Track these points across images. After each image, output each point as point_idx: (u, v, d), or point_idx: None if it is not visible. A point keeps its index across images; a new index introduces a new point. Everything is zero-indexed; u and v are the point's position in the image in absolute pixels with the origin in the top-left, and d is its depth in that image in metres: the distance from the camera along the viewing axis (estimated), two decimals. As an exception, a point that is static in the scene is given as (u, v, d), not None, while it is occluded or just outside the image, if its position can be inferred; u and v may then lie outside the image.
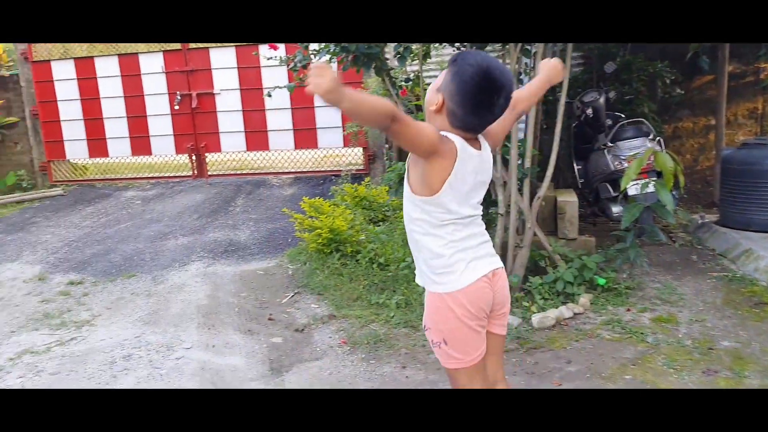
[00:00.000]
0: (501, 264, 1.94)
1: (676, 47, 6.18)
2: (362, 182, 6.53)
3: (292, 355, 3.64)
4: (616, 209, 5.31)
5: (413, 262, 2.00)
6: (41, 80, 8.60)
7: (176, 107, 8.34)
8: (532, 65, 4.73)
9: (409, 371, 3.34)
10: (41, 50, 8.56)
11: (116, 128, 8.62)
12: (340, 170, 7.89)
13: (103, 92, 8.53)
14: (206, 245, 5.84)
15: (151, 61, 8.32)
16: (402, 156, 6.46)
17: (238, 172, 8.68)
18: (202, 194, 7.80)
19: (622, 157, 5.19)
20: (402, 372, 3.35)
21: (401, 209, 2.21)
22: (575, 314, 3.85)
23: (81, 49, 8.68)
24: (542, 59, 3.85)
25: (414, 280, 2.10)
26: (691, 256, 4.94)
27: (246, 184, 8.15)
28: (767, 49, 6.19)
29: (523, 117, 4.67)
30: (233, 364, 3.55)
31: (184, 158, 8.67)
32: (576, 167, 6.03)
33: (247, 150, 8.49)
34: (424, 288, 1.94)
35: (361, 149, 8.00)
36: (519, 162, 4.06)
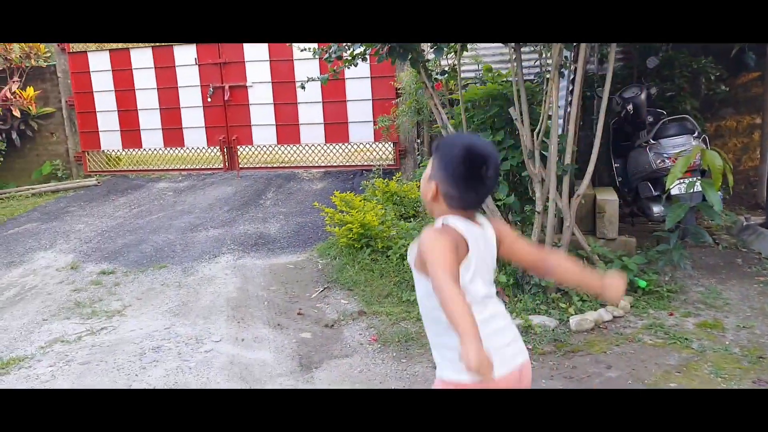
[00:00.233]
0: (527, 355, 1.77)
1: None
2: (393, 177, 6.44)
3: (322, 351, 3.58)
4: (656, 209, 5.11)
5: None
6: (77, 71, 8.70)
7: (209, 99, 8.35)
8: (572, 58, 4.58)
9: (441, 371, 3.25)
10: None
11: (150, 120, 8.68)
12: (372, 165, 7.80)
13: (138, 84, 8.59)
14: (236, 238, 5.82)
15: (185, 52, 8.35)
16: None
17: (269, 165, 8.67)
18: (232, 187, 7.80)
19: (665, 155, 4.98)
20: (434, 372, 3.23)
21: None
22: (615, 317, 3.71)
23: (116, 40, 8.75)
24: (584, 59, 3.69)
25: None
26: (735, 259, 4.74)
27: (276, 177, 8.13)
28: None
29: (560, 111, 4.53)
30: (262, 358, 3.50)
31: (215, 151, 8.69)
32: (614, 165, 5.84)
33: (278, 143, 8.47)
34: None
35: (391, 144, 7.90)
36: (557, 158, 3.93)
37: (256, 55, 8.13)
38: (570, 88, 4.61)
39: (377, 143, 8.11)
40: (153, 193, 7.88)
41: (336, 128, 8.15)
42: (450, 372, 1.71)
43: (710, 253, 4.88)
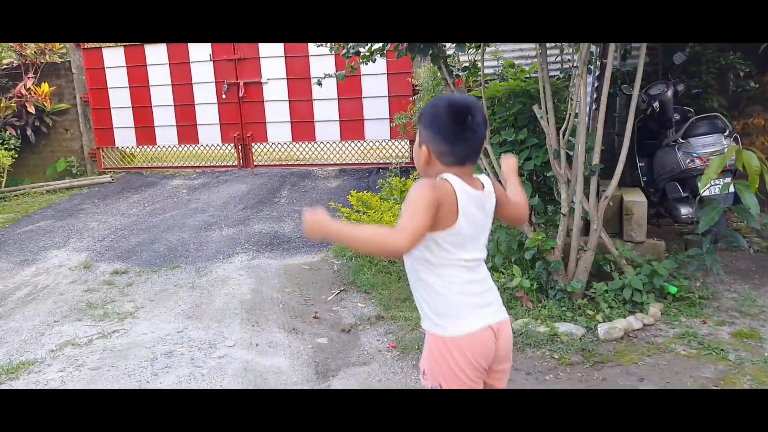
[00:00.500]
0: (507, 315, 1.84)
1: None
2: (410, 176, 6.30)
3: (339, 358, 3.45)
4: (684, 210, 4.92)
5: None
6: (92, 67, 8.65)
7: (223, 96, 8.27)
8: (598, 54, 4.40)
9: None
10: (92, 37, 8.59)
11: (164, 116, 8.62)
12: (388, 163, 7.67)
13: (152, 80, 8.53)
14: (251, 237, 5.71)
15: (200, 49, 8.26)
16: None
17: (284, 163, 8.56)
18: (247, 185, 7.70)
19: (695, 155, 4.79)
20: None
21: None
22: (645, 325, 3.54)
23: (131, 36, 8.68)
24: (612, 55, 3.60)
25: None
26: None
27: (291, 175, 8.02)
28: None
29: (586, 108, 4.36)
30: (277, 365, 3.38)
31: (230, 148, 8.60)
32: (638, 164, 5.65)
33: (293, 140, 8.36)
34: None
35: (408, 142, 7.76)
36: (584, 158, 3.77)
37: (271, 51, 8.02)
38: (596, 85, 4.44)
39: (393, 141, 7.98)
40: (167, 190, 7.81)
41: (352, 125, 8.03)
42: (426, 323, 1.79)
43: (741, 257, 4.68)
